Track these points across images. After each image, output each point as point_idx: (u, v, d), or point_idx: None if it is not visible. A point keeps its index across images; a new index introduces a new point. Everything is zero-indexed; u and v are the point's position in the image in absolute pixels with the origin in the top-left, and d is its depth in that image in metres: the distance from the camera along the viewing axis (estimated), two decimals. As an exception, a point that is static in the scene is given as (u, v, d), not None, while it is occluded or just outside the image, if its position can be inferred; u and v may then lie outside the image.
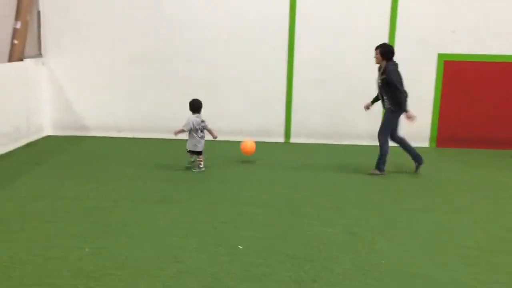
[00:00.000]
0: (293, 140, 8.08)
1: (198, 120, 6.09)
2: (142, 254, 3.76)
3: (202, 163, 6.15)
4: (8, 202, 4.81)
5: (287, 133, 8.07)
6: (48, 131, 8.06)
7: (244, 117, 8.01)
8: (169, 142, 7.64)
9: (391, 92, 5.90)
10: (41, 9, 7.76)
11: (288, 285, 3.38)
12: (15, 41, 7.55)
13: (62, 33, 7.81)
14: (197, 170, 6.13)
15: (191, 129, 6.04)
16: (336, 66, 7.81)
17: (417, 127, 7.05)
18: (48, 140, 7.79)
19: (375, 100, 6.34)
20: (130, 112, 8.02)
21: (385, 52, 5.98)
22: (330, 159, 7.10)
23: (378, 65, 6.12)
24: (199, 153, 6.14)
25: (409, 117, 5.91)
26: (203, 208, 4.83)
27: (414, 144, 6.48)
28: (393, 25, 7.69)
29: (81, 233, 4.10)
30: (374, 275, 3.55)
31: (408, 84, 6.07)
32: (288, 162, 6.84)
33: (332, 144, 7.99)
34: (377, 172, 6.20)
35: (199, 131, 6.08)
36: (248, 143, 6.77)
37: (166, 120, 7.87)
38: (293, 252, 3.87)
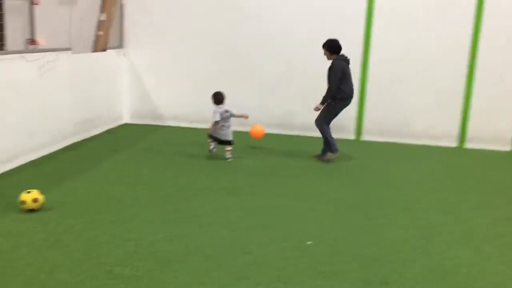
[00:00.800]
0: (365, 138, 7.92)
1: (222, 110, 6.29)
2: (212, 243, 3.86)
3: (231, 153, 6.34)
4: (91, 186, 5.11)
5: (359, 131, 7.92)
6: (126, 119, 8.46)
7: (317, 113, 7.92)
8: (243, 134, 7.75)
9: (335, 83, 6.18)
10: (124, 2, 8.12)
11: (356, 285, 3.34)
12: (100, 32, 7.96)
13: (142, 25, 8.14)
14: (230, 158, 6.32)
15: (222, 118, 6.24)
16: (415, 63, 7.56)
17: (500, 131, 6.70)
18: (126, 128, 8.17)
19: (324, 101, 6.38)
20: (205, 104, 8.19)
21: (331, 47, 6.23)
22: (404, 158, 6.90)
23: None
24: (229, 142, 6.34)
25: (317, 108, 6.36)
26: (273, 201, 4.87)
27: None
28: (478, 21, 7.31)
29: (156, 219, 4.28)
30: (449, 282, 3.41)
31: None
32: (359, 159, 6.72)
33: (407, 144, 7.74)
34: (331, 154, 6.42)
35: (225, 121, 6.28)
36: (258, 128, 6.91)
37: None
38: (362, 252, 3.81)
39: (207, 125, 7.54)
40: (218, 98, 6.41)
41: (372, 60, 7.65)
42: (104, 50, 7.86)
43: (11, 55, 5.51)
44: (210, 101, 8.26)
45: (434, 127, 7.72)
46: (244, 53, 7.91)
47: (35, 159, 5.87)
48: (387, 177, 5.93)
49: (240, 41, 7.86)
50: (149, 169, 5.78)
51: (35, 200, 4.25)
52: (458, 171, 6.41)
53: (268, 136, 7.75)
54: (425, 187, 5.61)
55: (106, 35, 8.00)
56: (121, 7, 8.12)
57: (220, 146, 6.45)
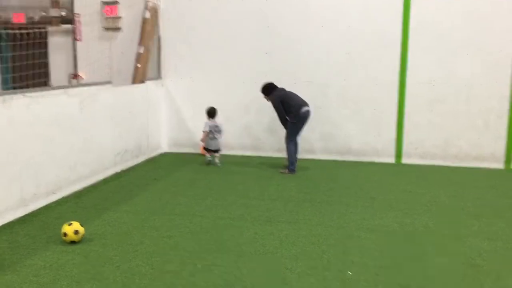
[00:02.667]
0: (404, 161, 7.72)
1: (213, 124, 7.45)
2: (251, 273, 3.79)
3: (219, 159, 7.52)
4: (130, 216, 5.17)
5: (398, 154, 7.73)
6: (165, 148, 8.59)
7: (353, 136, 7.84)
8: (274, 159, 7.73)
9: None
10: (161, 34, 8.35)
11: (403, 318, 3.18)
12: (138, 65, 8.20)
13: (179, 56, 8.32)
14: (219, 164, 7.46)
15: (210, 131, 7.36)
16: (454, 84, 7.39)
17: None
18: (165, 157, 8.29)
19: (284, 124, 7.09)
20: (242, 131, 8.25)
21: (265, 91, 7.09)
22: (447, 182, 6.66)
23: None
24: (217, 151, 7.50)
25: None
26: (311, 229, 4.77)
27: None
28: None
29: (194, 249, 4.26)
30: (502, 315, 3.21)
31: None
32: (400, 184, 6.54)
33: (449, 166, 7.50)
34: (287, 171, 7.00)
35: (215, 133, 7.42)
36: None
37: (275, 139, 7.99)
38: (407, 283, 3.65)
39: (241, 152, 8.17)
40: (210, 113, 7.50)
41: (410, 81, 7.51)
42: (142, 81, 8.07)
43: (54, 90, 5.71)
44: (243, 129, 8.32)
45: (478, 148, 7.46)
46: (278, 80, 7.91)
47: (77, 190, 6.01)
48: (430, 202, 5.72)
49: (276, 69, 7.89)
50: (187, 198, 5.81)
51: (76, 232, 4.32)
52: (506, 194, 6.12)
53: (305, 161, 7.70)
54: (472, 211, 5.37)
55: (144, 67, 8.23)
56: (159, 39, 8.35)
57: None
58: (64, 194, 5.79)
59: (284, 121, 6.99)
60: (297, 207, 5.49)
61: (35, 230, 4.72)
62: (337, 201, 5.74)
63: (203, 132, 7.46)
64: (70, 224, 4.36)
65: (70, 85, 6.99)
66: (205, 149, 7.57)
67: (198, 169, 7.36)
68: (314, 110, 7.84)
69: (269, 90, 7.09)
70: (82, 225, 4.43)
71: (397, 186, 6.43)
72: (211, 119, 7.51)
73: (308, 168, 7.37)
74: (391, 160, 7.76)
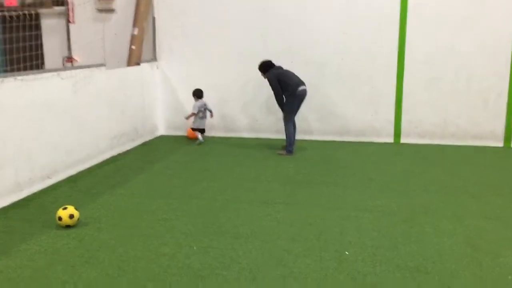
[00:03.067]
0: (403, 140, 7.66)
1: (202, 103, 7.65)
2: (247, 255, 3.76)
3: (202, 137, 7.73)
4: (125, 199, 5.13)
5: (397, 133, 7.66)
6: (162, 131, 8.51)
7: (351, 116, 7.76)
8: (272, 141, 7.67)
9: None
10: (156, 15, 8.21)
11: (400, 298, 3.15)
12: (133, 47, 8.07)
13: (174, 37, 8.18)
14: (199, 141, 7.67)
15: (199, 111, 7.57)
16: (453, 63, 7.28)
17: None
18: (161, 139, 8.22)
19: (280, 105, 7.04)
20: (239, 113, 8.17)
21: (263, 69, 7.00)
22: (447, 161, 6.61)
23: None
24: (203, 130, 7.74)
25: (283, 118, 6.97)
26: (308, 210, 4.73)
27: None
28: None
29: (191, 232, 4.22)
30: (500, 294, 3.18)
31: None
32: (399, 164, 6.49)
33: (448, 145, 7.44)
34: (284, 153, 6.97)
35: (200, 112, 7.61)
36: None
37: (273, 120, 7.92)
38: (404, 263, 3.62)
39: (237, 135, 8.21)
40: (197, 94, 7.67)
41: (408, 60, 7.41)
42: (137, 64, 7.95)
43: (47, 73, 5.61)
44: (240, 111, 8.23)
45: (477, 126, 7.40)
46: (274, 61, 7.81)
47: (72, 175, 5.95)
48: (429, 182, 5.68)
49: (272, 50, 7.78)
50: (183, 181, 5.76)
51: (71, 216, 4.28)
52: (505, 172, 6.08)
53: (302, 142, 7.64)
54: (471, 191, 5.33)
55: (139, 49, 8.10)
56: (153, 20, 8.21)
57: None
58: (60, 178, 5.74)
59: (280, 100, 6.92)
60: (294, 188, 5.45)
61: (30, 214, 4.67)
62: (334, 182, 5.69)
63: (192, 113, 7.64)
64: (65, 208, 4.32)
65: (63, 68, 6.87)
66: (195, 129, 7.73)
67: (194, 152, 7.30)
68: (311, 90, 7.73)
69: (266, 67, 7.01)
70: (77, 209, 4.38)
71: (396, 166, 6.38)
72: (199, 99, 7.65)
73: (305, 149, 7.31)
74: (390, 139, 7.70)
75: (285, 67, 7.22)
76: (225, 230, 4.26)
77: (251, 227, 4.33)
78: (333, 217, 4.56)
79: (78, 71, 6.14)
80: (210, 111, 7.77)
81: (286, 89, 6.82)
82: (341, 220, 4.47)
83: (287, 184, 5.62)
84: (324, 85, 7.75)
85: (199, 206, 4.87)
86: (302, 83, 6.86)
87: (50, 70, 5.79)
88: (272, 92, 6.96)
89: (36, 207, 4.89)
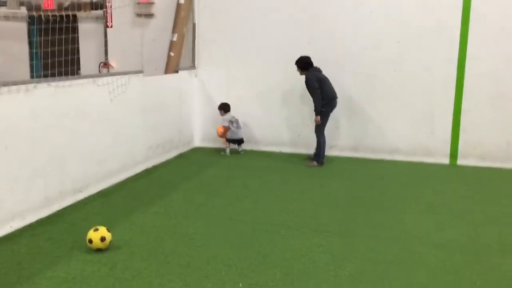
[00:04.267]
0: (460, 162, 7.00)
1: (230, 116, 7.41)
2: (301, 297, 3.24)
3: (242, 148, 7.62)
4: (161, 219, 4.69)
5: (454, 154, 7.01)
6: (197, 143, 8.10)
7: (403, 133, 7.16)
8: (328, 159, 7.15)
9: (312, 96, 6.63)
10: (196, 21, 7.82)
11: None
12: (171, 53, 7.71)
13: (214, 44, 7.77)
14: (241, 151, 7.57)
15: (231, 121, 7.37)
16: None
17: None
18: (197, 151, 7.80)
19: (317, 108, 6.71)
20: (280, 126, 7.68)
21: (302, 65, 6.66)
22: (510, 188, 5.94)
23: None
24: (241, 140, 7.52)
25: (317, 121, 6.66)
26: (366, 242, 4.17)
27: None
28: None
29: (234, 263, 3.73)
30: None
31: None
32: (459, 188, 5.86)
33: (511, 170, 6.75)
34: (315, 164, 6.70)
35: (234, 123, 7.37)
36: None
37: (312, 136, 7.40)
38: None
39: (278, 148, 7.78)
40: (226, 108, 7.44)
41: (469, 74, 6.77)
42: (176, 71, 7.58)
43: (82, 79, 5.26)
44: (282, 123, 7.72)
45: (545, 149, 6.69)
46: (323, 72, 7.32)
47: (105, 188, 5.57)
48: (496, 211, 5.04)
49: (319, 58, 7.25)
50: (222, 200, 5.29)
51: (102, 239, 3.85)
52: None
53: (348, 159, 7.12)
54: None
55: (177, 56, 7.73)
56: (193, 26, 7.83)
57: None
58: (91, 192, 5.36)
59: (320, 102, 6.56)
60: (346, 213, 4.90)
61: (59, 233, 4.28)
62: (390, 206, 5.12)
63: (223, 127, 7.39)
64: (96, 230, 3.90)
65: (99, 74, 6.54)
66: (229, 140, 7.47)
67: (232, 166, 6.83)
68: (360, 104, 7.27)
69: (306, 64, 6.68)
70: (109, 230, 3.96)
71: (455, 190, 5.75)
72: (227, 113, 7.43)
73: (353, 167, 6.77)
74: (445, 160, 7.04)
75: (332, 78, 6.74)
76: (274, 263, 3.75)
77: (302, 260, 3.81)
78: (395, 251, 4.00)
79: (115, 77, 5.78)
80: (238, 123, 7.51)
81: (322, 96, 6.57)
82: (406, 257, 3.89)
83: (337, 207, 5.08)
84: (374, 98, 7.19)
85: (242, 232, 4.38)
86: (336, 96, 6.74)
87: (86, 76, 5.43)
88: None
89: (66, 224, 4.50)
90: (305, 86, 6.69)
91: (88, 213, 4.80)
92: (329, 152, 7.30)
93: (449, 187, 5.91)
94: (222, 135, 7.42)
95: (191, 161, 7.16)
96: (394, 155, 7.21)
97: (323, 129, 6.74)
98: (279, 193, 5.54)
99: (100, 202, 5.16)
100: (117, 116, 5.79)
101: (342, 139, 7.39)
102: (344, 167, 6.76)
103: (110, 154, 5.68)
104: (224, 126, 7.37)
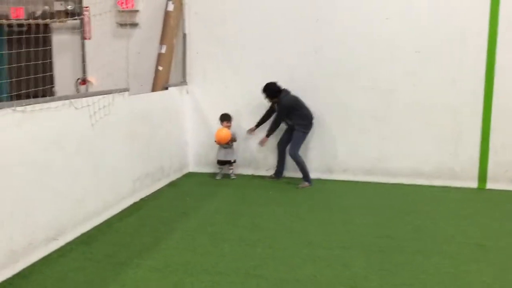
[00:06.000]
0: (490, 186, 6.23)
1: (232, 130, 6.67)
2: None
3: (232, 171, 6.79)
4: (158, 276, 3.73)
5: (482, 177, 6.23)
6: (191, 168, 7.16)
7: (424, 154, 6.36)
8: (324, 183, 6.31)
9: (293, 117, 6.29)
10: (187, 31, 6.92)
11: None
12: (160, 68, 6.79)
13: (208, 57, 6.88)
14: (233, 176, 6.73)
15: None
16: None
17: None
18: (191, 178, 6.85)
19: (260, 123, 6.58)
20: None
21: (271, 93, 6.27)
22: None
23: None
24: (228, 162, 6.72)
25: (262, 141, 6.51)
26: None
27: None
28: None
29: None
30: None
31: None
32: (496, 218, 5.06)
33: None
34: (307, 184, 6.26)
35: (230, 141, 6.59)
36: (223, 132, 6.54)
37: (324, 157, 6.54)
38: None
39: (285, 173, 6.83)
40: (227, 118, 6.63)
41: (498, 89, 6.05)
42: (165, 88, 6.66)
43: (56, 102, 4.29)
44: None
45: None
46: (327, 86, 6.50)
47: (85, 232, 4.59)
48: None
49: (327, 71, 6.47)
50: (231, 245, 4.36)
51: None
52: None
53: (362, 184, 6.30)
54: None
55: (167, 71, 6.82)
56: (184, 37, 6.91)
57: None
58: (69, 238, 4.38)
59: (276, 126, 6.38)
60: (385, 261, 4.02)
61: (26, 303, 3.30)
62: (435, 250, 4.25)
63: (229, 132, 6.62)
64: None
65: (78, 95, 5.59)
66: (221, 162, 6.75)
67: (236, 198, 5.90)
68: (375, 122, 6.47)
69: (276, 92, 6.29)
70: None
71: (503, 225, 4.94)
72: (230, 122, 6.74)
73: (372, 195, 5.94)
74: (473, 184, 6.26)
75: (342, 93, 5.99)
76: None
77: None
78: None
79: (96, 98, 4.82)
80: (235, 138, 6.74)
81: (302, 119, 6.27)
82: None
83: (371, 253, 4.20)
84: (390, 116, 6.40)
85: (264, 292, 3.47)
86: (312, 115, 6.40)
87: (61, 98, 4.46)
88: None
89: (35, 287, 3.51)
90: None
91: (65, 270, 3.81)
92: (340, 176, 6.51)
93: (493, 219, 5.07)
94: (225, 140, 6.55)
95: (185, 191, 6.20)
96: (414, 178, 6.40)
97: (298, 150, 6.29)
98: (297, 235, 4.63)
99: (80, 252, 4.18)
100: (98, 144, 4.84)
101: (354, 162, 6.55)
102: (361, 195, 5.92)
103: (90, 191, 4.71)
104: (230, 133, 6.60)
